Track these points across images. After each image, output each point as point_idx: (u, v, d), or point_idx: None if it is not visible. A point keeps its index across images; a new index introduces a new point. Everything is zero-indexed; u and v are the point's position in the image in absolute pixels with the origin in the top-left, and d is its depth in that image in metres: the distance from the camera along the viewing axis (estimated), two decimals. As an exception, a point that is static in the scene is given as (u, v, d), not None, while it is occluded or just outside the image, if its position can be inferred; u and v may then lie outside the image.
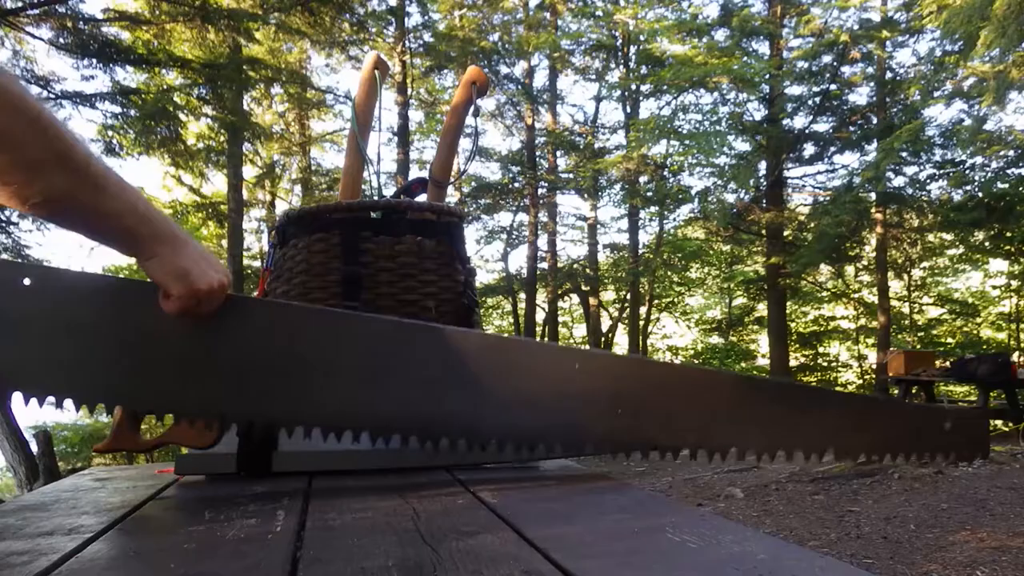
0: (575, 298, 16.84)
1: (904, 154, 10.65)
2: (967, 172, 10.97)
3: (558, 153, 15.86)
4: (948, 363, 8.29)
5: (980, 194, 10.49)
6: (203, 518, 0.87)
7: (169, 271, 0.83)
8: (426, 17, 13.78)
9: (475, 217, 15.39)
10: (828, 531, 3.53)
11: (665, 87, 12.54)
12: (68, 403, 0.89)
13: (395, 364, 0.95)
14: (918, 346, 13.36)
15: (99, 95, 6.93)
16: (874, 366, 13.02)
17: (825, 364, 16.27)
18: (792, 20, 12.80)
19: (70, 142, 0.72)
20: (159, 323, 0.87)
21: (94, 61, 6.73)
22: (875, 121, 12.24)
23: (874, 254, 12.93)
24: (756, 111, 12.93)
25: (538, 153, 15.45)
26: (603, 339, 15.34)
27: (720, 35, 12.83)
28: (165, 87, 7.96)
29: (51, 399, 0.88)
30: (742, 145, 12.96)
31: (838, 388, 14.35)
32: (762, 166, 12.81)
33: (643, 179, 13.85)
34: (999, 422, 7.55)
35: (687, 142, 12.25)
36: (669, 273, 16.27)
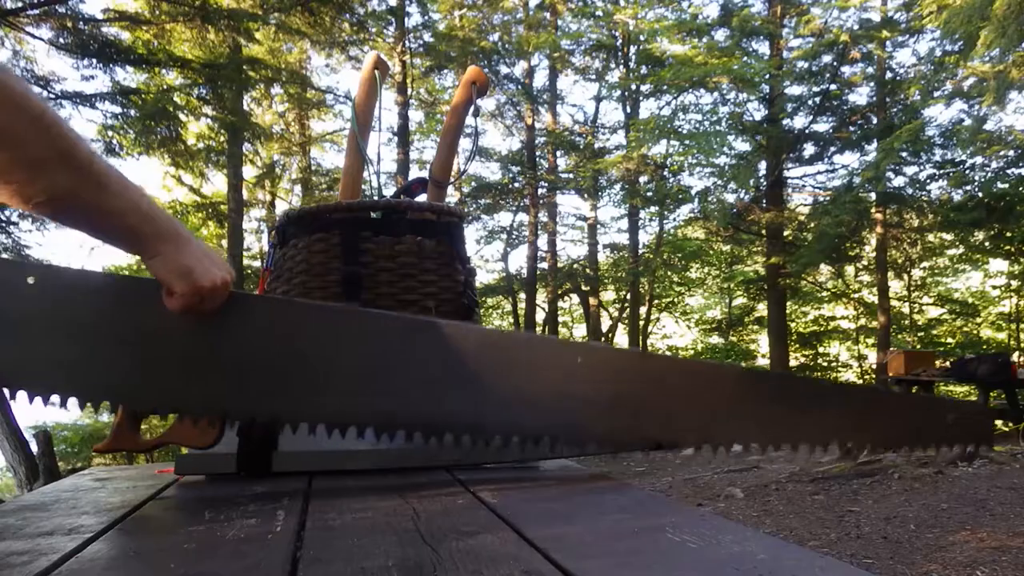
0: (575, 298, 16.84)
1: (904, 154, 10.64)
2: (967, 172, 10.97)
3: (558, 153, 15.86)
4: (948, 363, 8.29)
5: (980, 194, 10.48)
6: (203, 518, 0.87)
7: (172, 269, 0.83)
8: (426, 17, 13.79)
9: (475, 217, 15.39)
10: (828, 531, 3.53)
11: (665, 87, 12.54)
12: (72, 402, 0.90)
13: (398, 359, 0.95)
14: (918, 346, 13.36)
15: (99, 95, 6.93)
16: (874, 366, 13.03)
17: (825, 364, 16.26)
18: (792, 20, 12.79)
19: (73, 140, 0.72)
20: (163, 321, 0.87)
21: (94, 61, 6.73)
22: (875, 121, 12.24)
23: (874, 254, 12.93)
24: (756, 111, 12.94)
25: (538, 153, 15.45)
26: (603, 339, 15.33)
27: (720, 35, 12.84)
28: (165, 87, 7.96)
29: (55, 398, 0.88)
30: (742, 145, 12.97)
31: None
32: (762, 166, 12.81)
33: (643, 179, 13.85)
34: (999, 422, 7.55)
35: (687, 142, 12.25)
36: (669, 273, 16.27)
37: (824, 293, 15.54)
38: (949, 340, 14.42)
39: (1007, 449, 4.99)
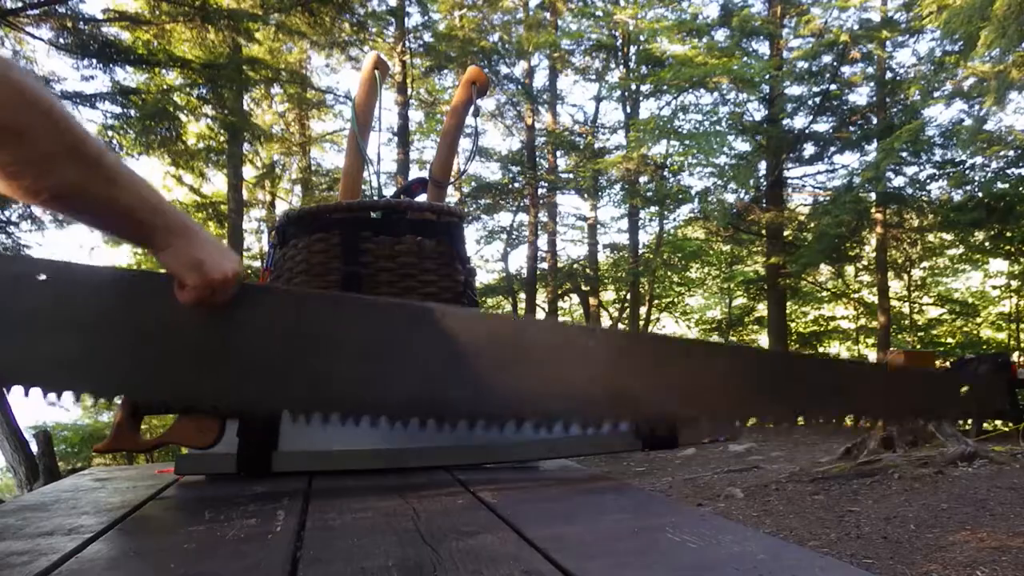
0: (575, 298, 16.84)
1: (904, 154, 10.65)
2: (967, 172, 10.97)
3: (558, 153, 15.86)
4: (948, 363, 8.29)
5: (980, 194, 10.49)
6: (203, 518, 0.87)
7: (183, 262, 0.83)
8: (426, 17, 13.79)
9: (475, 217, 15.39)
10: (828, 531, 3.53)
11: (665, 87, 12.55)
12: (83, 397, 0.90)
13: (410, 347, 0.95)
14: (918, 346, 13.37)
15: (99, 95, 6.93)
16: (874, 366, 13.02)
17: (825, 364, 16.23)
18: (792, 20, 12.80)
19: (82, 135, 0.73)
20: (174, 314, 0.87)
21: (94, 61, 6.73)
22: (875, 121, 12.24)
23: (874, 254, 12.93)
24: (756, 111, 12.94)
25: (538, 153, 15.45)
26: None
27: (720, 35, 12.85)
28: (165, 87, 7.96)
29: (69, 394, 0.88)
30: (742, 145, 12.98)
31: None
32: (762, 166, 12.82)
33: (643, 179, 13.86)
34: (999, 422, 7.55)
35: (687, 142, 12.26)
36: (669, 273, 16.27)
37: (824, 293, 15.54)
38: (949, 340, 14.43)
39: (1007, 449, 4.99)
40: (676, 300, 17.92)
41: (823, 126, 12.85)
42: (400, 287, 1.29)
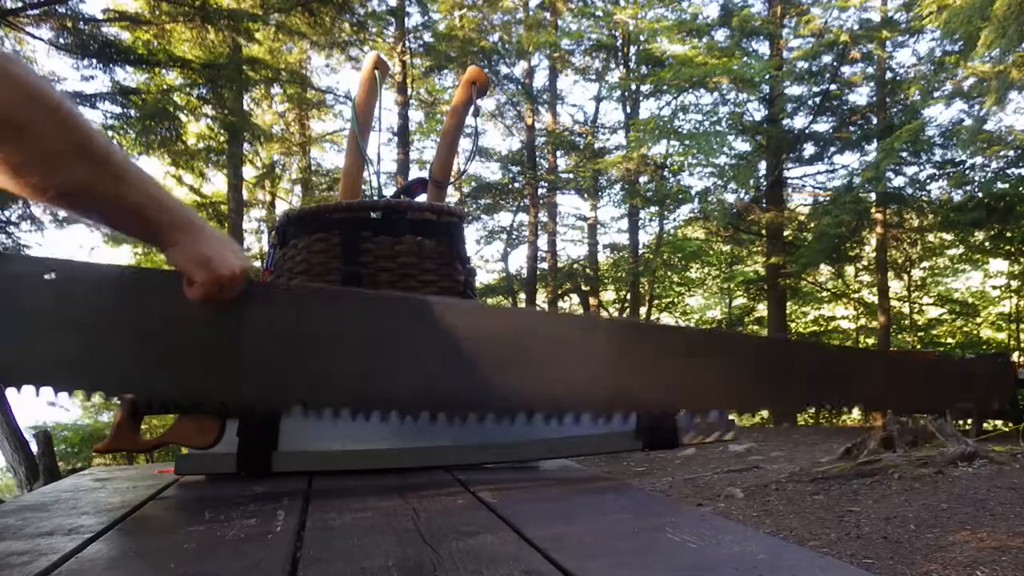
0: (575, 298, 16.84)
1: (904, 154, 10.65)
2: (967, 172, 10.97)
3: (558, 153, 15.87)
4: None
5: (980, 194, 10.49)
6: (203, 518, 0.87)
7: (191, 258, 0.83)
8: (426, 17, 13.79)
9: (475, 217, 15.39)
10: (828, 531, 3.53)
11: (665, 87, 12.55)
12: (93, 396, 0.90)
13: (416, 341, 0.95)
14: (918, 346, 13.36)
15: (99, 95, 6.93)
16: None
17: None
18: (792, 20, 12.80)
19: (89, 133, 0.73)
20: (182, 311, 0.87)
21: (94, 61, 6.74)
22: (875, 121, 12.24)
23: (874, 254, 12.93)
24: (756, 111, 12.95)
25: (538, 153, 15.45)
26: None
27: (720, 35, 12.85)
28: (165, 87, 7.96)
29: (80, 392, 0.88)
30: (742, 145, 12.99)
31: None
32: (762, 166, 12.82)
33: (643, 179, 13.86)
34: (999, 422, 7.56)
35: (687, 142, 12.26)
36: (669, 273, 16.27)
37: (824, 293, 15.55)
38: (949, 340, 14.43)
39: (1007, 449, 4.99)
40: (676, 300, 17.92)
41: (823, 126, 12.88)
42: (400, 287, 1.29)
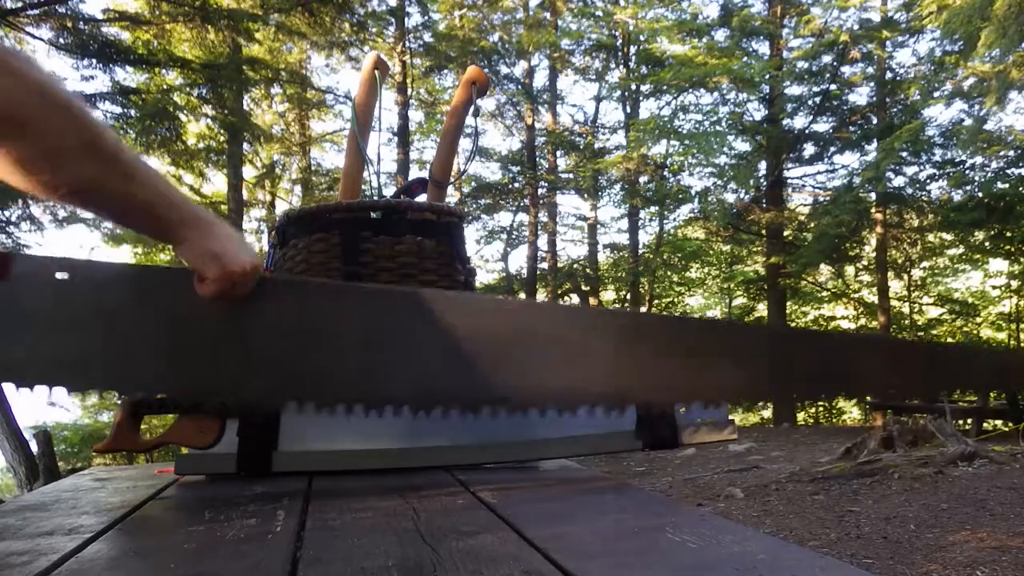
0: (575, 298, 16.84)
1: (904, 154, 10.65)
2: (967, 172, 10.97)
3: (558, 153, 15.86)
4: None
5: (980, 194, 10.48)
6: (203, 518, 0.87)
7: (202, 254, 0.83)
8: (426, 17, 13.79)
9: (475, 217, 15.39)
10: (828, 531, 3.53)
11: (665, 87, 12.54)
12: (104, 394, 0.89)
13: (433, 335, 0.94)
14: (918, 346, 13.31)
15: (99, 95, 6.93)
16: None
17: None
18: (792, 20, 12.80)
19: (98, 130, 0.73)
20: (195, 309, 0.87)
21: (94, 61, 6.73)
22: (875, 121, 12.24)
23: (874, 254, 12.93)
24: (756, 111, 12.94)
25: (538, 153, 15.45)
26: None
27: (720, 35, 12.84)
28: (165, 87, 7.96)
29: (93, 391, 0.88)
30: (742, 145, 12.98)
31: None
32: (762, 166, 12.82)
33: (643, 179, 13.85)
34: (999, 422, 7.56)
35: (687, 142, 12.26)
36: (669, 273, 16.27)
37: (824, 293, 15.54)
38: (949, 340, 14.43)
39: (1007, 449, 4.98)
40: (676, 300, 17.92)
41: (823, 126, 12.87)
42: (400, 287, 1.29)
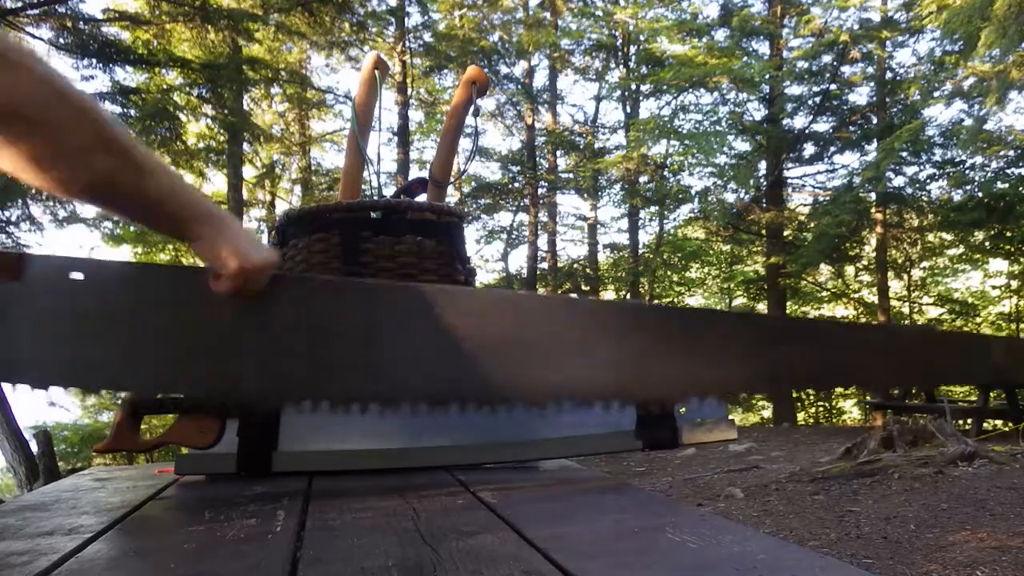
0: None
1: (904, 154, 10.65)
2: (967, 172, 10.97)
3: (558, 153, 15.86)
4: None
5: (980, 194, 10.48)
6: (203, 518, 0.87)
7: (217, 250, 0.83)
8: (426, 17, 13.79)
9: (475, 217, 15.39)
10: (828, 531, 3.53)
11: (665, 87, 12.54)
12: (119, 394, 0.89)
13: (449, 332, 0.93)
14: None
15: (99, 95, 6.93)
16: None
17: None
18: (792, 20, 12.80)
19: (111, 126, 0.74)
20: (210, 306, 0.87)
21: (94, 61, 6.74)
22: (875, 121, 12.24)
23: (874, 254, 12.93)
24: (756, 111, 12.94)
25: (538, 153, 15.45)
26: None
27: (720, 35, 12.84)
28: (165, 87, 7.96)
29: (108, 391, 0.88)
30: (742, 145, 12.98)
31: (838, 387, 14.36)
32: (762, 166, 12.82)
33: (643, 179, 13.85)
34: (999, 422, 7.55)
35: (687, 142, 12.25)
36: (669, 273, 16.27)
37: (824, 293, 15.55)
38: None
39: (1007, 449, 4.98)
40: (676, 300, 17.91)
41: (823, 126, 12.87)
42: (400, 287, 1.29)
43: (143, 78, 8.09)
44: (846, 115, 12.62)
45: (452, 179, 1.76)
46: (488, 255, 16.69)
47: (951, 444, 4.75)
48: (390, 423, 1.12)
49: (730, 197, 12.70)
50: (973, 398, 7.36)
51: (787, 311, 14.12)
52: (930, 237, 13.38)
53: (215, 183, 11.98)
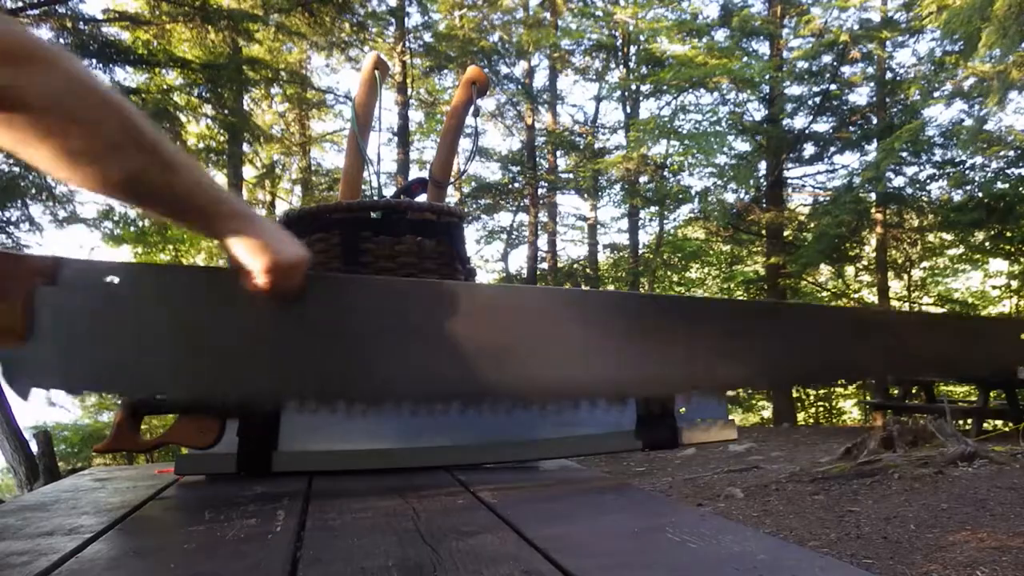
0: (575, 298, 16.80)
1: (904, 154, 10.65)
2: (967, 172, 10.97)
3: (558, 153, 15.87)
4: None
5: (980, 194, 10.49)
6: (203, 518, 0.87)
7: (248, 246, 0.82)
8: (426, 17, 13.79)
9: (475, 217, 15.39)
10: (828, 531, 3.53)
11: (665, 87, 12.55)
12: (156, 398, 0.88)
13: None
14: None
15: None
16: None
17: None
18: (792, 20, 12.80)
19: (140, 123, 0.74)
20: (246, 308, 0.86)
21: (94, 61, 6.73)
22: (875, 121, 12.24)
23: (874, 254, 12.94)
24: (756, 111, 12.95)
25: (538, 153, 15.45)
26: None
27: (720, 35, 12.85)
28: (165, 87, 7.96)
29: (142, 395, 0.88)
30: (742, 145, 12.99)
31: (838, 387, 14.37)
32: (762, 166, 12.82)
33: (643, 179, 13.86)
34: (999, 422, 7.55)
35: (687, 142, 12.26)
36: (669, 273, 16.27)
37: (824, 293, 15.54)
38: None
39: (1007, 449, 4.98)
40: (676, 300, 17.91)
41: (823, 126, 12.87)
42: (400, 287, 1.29)
43: (143, 78, 8.10)
44: (846, 115, 12.62)
45: (452, 179, 1.76)
46: (488, 255, 16.70)
47: (951, 444, 4.75)
48: (390, 423, 1.12)
49: (730, 197, 12.72)
50: (973, 398, 7.36)
51: (787, 311, 14.09)
52: (930, 237, 13.38)
53: (215, 183, 11.98)
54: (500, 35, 14.58)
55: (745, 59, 11.99)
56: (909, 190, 11.82)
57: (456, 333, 0.93)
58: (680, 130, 12.30)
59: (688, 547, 0.67)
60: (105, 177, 0.73)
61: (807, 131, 12.53)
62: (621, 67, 14.84)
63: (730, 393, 1.14)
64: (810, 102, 12.39)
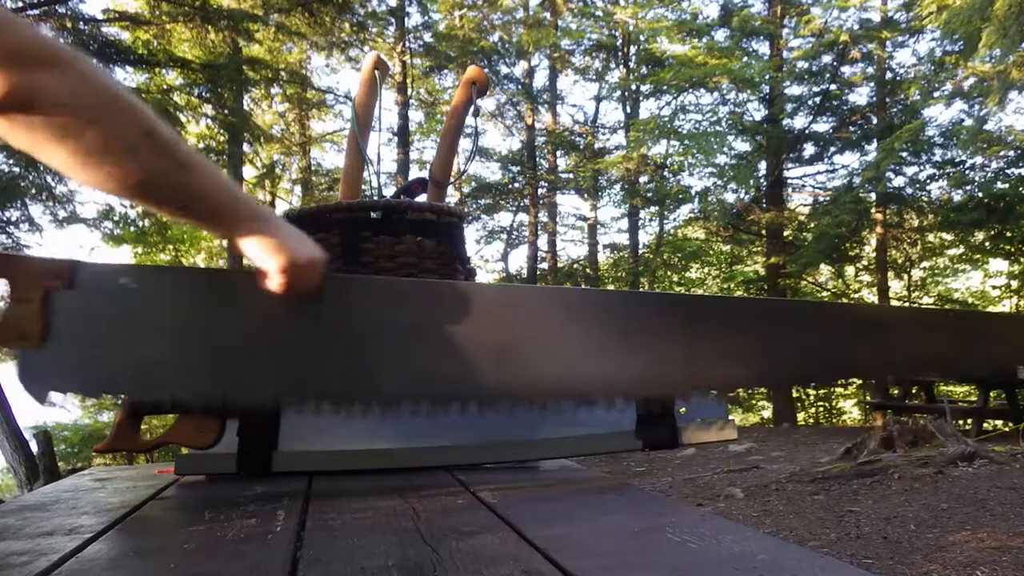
0: (575, 298, 16.79)
1: (904, 154, 10.65)
2: (967, 172, 10.97)
3: (558, 153, 15.87)
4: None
5: (980, 194, 10.49)
6: (203, 518, 0.87)
7: (265, 246, 0.82)
8: (426, 17, 13.79)
9: (475, 217, 15.39)
10: (828, 531, 3.53)
11: (665, 87, 12.55)
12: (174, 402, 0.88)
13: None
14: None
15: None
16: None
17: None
18: (792, 20, 12.80)
19: (155, 123, 0.74)
20: (263, 310, 0.86)
21: (94, 61, 6.73)
22: (875, 121, 12.24)
23: (874, 254, 12.94)
24: (756, 111, 12.95)
25: (538, 153, 15.45)
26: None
27: (720, 35, 12.85)
28: (165, 87, 7.96)
29: (159, 398, 0.87)
30: (742, 145, 12.99)
31: (838, 388, 14.37)
32: (762, 166, 12.83)
33: (643, 179, 13.86)
34: (999, 422, 7.55)
35: (687, 142, 12.26)
36: (669, 273, 16.28)
37: (824, 293, 15.54)
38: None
39: (1007, 449, 4.98)
40: (676, 300, 17.91)
41: (823, 126, 12.88)
42: (400, 287, 1.29)
43: (143, 78, 8.10)
44: (846, 115, 12.63)
45: (452, 179, 1.76)
46: (488, 255, 16.70)
47: (951, 444, 4.75)
48: (390, 423, 1.12)
49: (730, 197, 12.72)
50: (973, 398, 7.36)
51: (787, 311, 14.10)
52: (930, 237, 13.38)
53: (215, 183, 11.97)
54: (500, 35, 14.58)
55: (745, 59, 11.99)
56: (909, 190, 11.83)
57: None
58: (680, 130, 12.31)
59: (688, 547, 0.67)
60: (122, 178, 0.73)
61: (807, 131, 12.54)
62: (621, 67, 14.85)
63: (730, 393, 1.13)
64: (810, 102, 12.39)
